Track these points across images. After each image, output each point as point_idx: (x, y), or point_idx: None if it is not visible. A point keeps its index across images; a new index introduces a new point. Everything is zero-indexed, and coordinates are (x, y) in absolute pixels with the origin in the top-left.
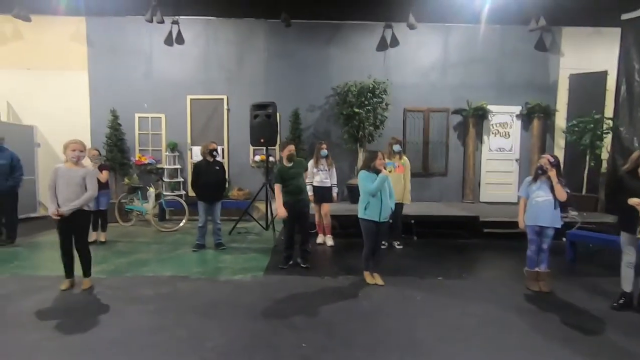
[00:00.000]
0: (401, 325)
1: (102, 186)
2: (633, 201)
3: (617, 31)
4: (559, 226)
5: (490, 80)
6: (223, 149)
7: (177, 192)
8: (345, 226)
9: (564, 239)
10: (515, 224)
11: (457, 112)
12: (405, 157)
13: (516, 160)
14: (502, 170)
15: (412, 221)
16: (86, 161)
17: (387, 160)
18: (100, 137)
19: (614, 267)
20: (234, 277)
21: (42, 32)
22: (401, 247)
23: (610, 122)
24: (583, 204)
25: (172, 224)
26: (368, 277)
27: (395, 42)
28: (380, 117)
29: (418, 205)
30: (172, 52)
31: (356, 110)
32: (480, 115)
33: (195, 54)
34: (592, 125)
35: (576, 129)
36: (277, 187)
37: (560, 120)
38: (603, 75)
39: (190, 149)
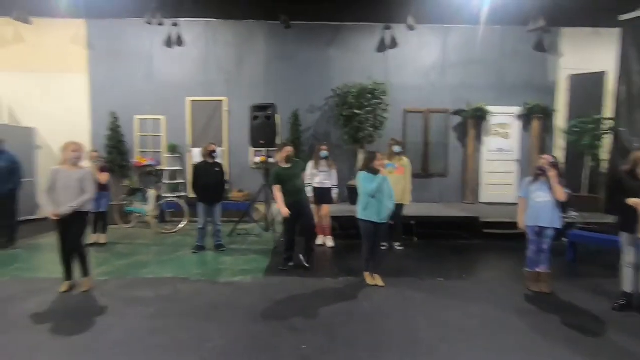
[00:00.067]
0: (401, 326)
1: (102, 188)
2: (632, 201)
3: (616, 32)
4: (558, 227)
5: (490, 81)
6: (223, 151)
7: (177, 194)
8: (345, 227)
9: (564, 240)
10: (515, 225)
11: (456, 113)
12: (405, 158)
13: (517, 160)
14: (502, 171)
15: (413, 222)
16: (85, 162)
17: (387, 162)
18: (100, 139)
19: (615, 268)
20: (234, 279)
21: (43, 34)
22: (401, 248)
23: (610, 122)
24: (583, 205)
25: (172, 225)
26: (368, 278)
27: (394, 44)
28: (380, 119)
29: (418, 206)
30: (171, 54)
31: (356, 111)
32: (479, 116)
33: (195, 56)
34: (591, 126)
35: (576, 129)
36: (276, 188)
37: (560, 120)
38: (602, 75)
39: (190, 151)
